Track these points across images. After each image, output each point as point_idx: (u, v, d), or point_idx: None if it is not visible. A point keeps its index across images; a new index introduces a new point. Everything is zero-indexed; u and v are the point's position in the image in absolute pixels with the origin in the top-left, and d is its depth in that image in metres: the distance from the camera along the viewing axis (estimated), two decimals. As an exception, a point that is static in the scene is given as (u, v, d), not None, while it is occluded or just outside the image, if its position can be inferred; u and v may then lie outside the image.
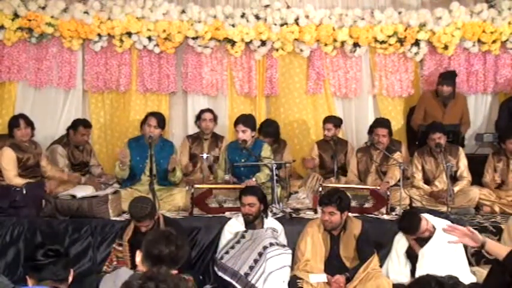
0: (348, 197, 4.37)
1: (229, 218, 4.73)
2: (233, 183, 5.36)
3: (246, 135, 5.49)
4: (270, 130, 6.18)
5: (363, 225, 4.34)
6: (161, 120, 5.51)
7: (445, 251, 4.01)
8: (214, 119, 6.27)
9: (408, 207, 5.34)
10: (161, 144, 5.56)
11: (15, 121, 5.33)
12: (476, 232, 2.90)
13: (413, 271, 4.18)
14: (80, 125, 5.94)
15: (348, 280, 4.08)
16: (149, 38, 6.66)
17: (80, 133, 5.89)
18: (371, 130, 5.98)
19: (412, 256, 4.19)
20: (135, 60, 6.86)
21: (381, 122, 5.95)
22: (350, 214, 4.58)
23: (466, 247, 4.21)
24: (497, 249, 2.94)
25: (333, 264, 4.19)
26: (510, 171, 5.60)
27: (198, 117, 6.29)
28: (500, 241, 4.59)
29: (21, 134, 5.30)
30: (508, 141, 5.56)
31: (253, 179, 5.34)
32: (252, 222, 4.49)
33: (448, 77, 6.38)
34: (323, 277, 4.08)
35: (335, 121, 6.24)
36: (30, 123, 5.36)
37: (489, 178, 5.70)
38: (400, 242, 4.25)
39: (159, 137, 5.55)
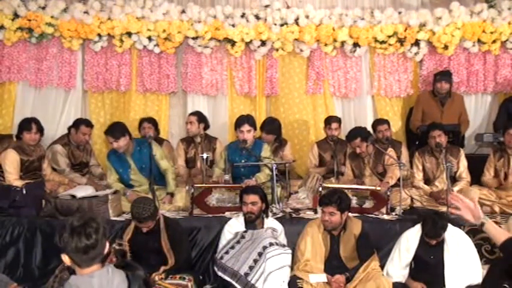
0: (348, 197, 4.36)
1: (229, 218, 4.73)
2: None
3: (251, 134, 5.51)
4: (273, 127, 6.17)
5: (363, 225, 4.34)
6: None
7: (462, 257, 4.09)
8: (201, 121, 6.07)
9: (409, 208, 5.36)
10: (138, 147, 5.33)
11: (27, 124, 5.32)
12: (479, 208, 2.81)
13: (415, 272, 4.18)
14: (82, 124, 5.94)
15: (348, 280, 4.08)
16: (149, 38, 6.66)
17: (82, 132, 5.88)
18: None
19: (420, 259, 4.15)
20: (135, 60, 6.86)
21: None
22: (350, 214, 4.58)
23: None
24: (495, 232, 2.80)
25: (333, 264, 4.19)
26: (511, 168, 5.59)
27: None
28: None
29: (30, 138, 5.31)
30: (507, 132, 5.56)
31: (253, 179, 5.34)
32: (254, 221, 4.49)
33: (445, 74, 6.41)
34: (323, 277, 4.07)
35: (338, 120, 6.30)
36: (40, 129, 5.39)
37: (489, 177, 5.70)
38: (409, 243, 4.19)
39: (133, 142, 5.32)
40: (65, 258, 2.36)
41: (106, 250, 2.40)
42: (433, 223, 4.03)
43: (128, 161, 5.30)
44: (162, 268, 4.12)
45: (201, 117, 6.12)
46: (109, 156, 5.42)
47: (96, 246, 2.32)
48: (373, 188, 5.21)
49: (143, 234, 4.20)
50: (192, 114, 6.18)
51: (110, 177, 5.40)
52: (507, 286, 2.34)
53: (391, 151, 5.71)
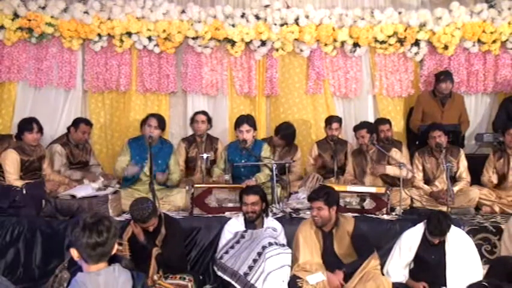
0: (335, 193, 4.30)
1: (229, 218, 4.73)
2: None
3: (250, 134, 5.53)
4: (288, 133, 6.19)
5: (356, 222, 4.30)
6: (161, 121, 5.54)
7: (463, 257, 4.11)
8: (209, 121, 6.18)
9: (409, 208, 5.36)
10: (160, 145, 5.56)
11: (28, 125, 5.33)
12: None
13: (415, 272, 4.18)
14: (82, 122, 5.96)
15: (345, 274, 4.03)
16: (149, 38, 6.66)
17: (81, 130, 5.89)
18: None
19: (421, 259, 4.16)
20: (135, 60, 6.86)
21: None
22: (350, 214, 4.57)
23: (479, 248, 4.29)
24: None
25: (330, 262, 4.15)
26: (511, 169, 5.59)
27: (192, 120, 6.27)
28: (500, 241, 4.60)
29: (32, 138, 5.33)
30: (507, 132, 5.56)
31: (253, 179, 5.34)
32: (254, 221, 4.49)
33: (448, 74, 6.41)
34: (320, 276, 4.06)
35: (339, 120, 6.28)
36: (41, 129, 5.42)
37: (488, 177, 5.70)
38: (410, 242, 4.19)
39: (158, 137, 5.56)
40: (74, 252, 2.42)
41: (114, 250, 2.47)
42: (438, 221, 4.05)
43: (147, 151, 5.31)
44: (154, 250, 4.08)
45: (208, 117, 6.20)
46: (130, 142, 5.57)
47: (105, 244, 2.39)
48: (374, 191, 5.19)
49: (146, 233, 4.18)
50: (201, 113, 6.21)
51: (121, 158, 5.46)
52: (486, 284, 2.36)
53: (395, 151, 5.69)
